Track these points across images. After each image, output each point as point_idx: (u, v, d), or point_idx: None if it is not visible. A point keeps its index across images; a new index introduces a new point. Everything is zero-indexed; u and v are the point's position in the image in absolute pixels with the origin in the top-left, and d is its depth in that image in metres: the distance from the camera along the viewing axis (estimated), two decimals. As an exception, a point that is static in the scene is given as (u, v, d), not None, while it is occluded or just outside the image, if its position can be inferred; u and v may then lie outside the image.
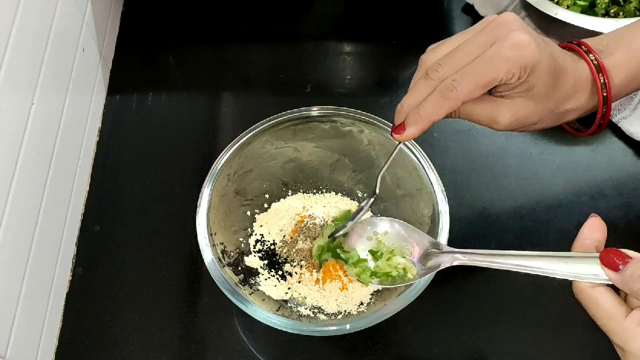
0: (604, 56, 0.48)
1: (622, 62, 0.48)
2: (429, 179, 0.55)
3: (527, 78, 0.44)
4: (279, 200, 0.63)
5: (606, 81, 0.47)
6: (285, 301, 0.58)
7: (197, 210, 0.54)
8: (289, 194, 0.64)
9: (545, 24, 0.72)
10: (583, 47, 0.48)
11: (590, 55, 0.48)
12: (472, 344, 0.58)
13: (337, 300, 0.57)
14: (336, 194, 0.64)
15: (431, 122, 0.46)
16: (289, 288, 0.58)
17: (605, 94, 0.47)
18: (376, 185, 0.52)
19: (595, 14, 0.69)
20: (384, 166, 0.51)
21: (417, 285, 0.50)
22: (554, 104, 0.47)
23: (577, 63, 0.48)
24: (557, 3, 0.69)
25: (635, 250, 0.61)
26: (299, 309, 0.57)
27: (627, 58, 0.48)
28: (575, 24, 0.66)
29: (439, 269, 0.48)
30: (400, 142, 0.49)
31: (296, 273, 0.59)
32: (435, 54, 0.46)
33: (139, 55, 0.76)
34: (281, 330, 0.50)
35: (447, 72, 0.45)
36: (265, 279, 0.59)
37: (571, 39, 0.51)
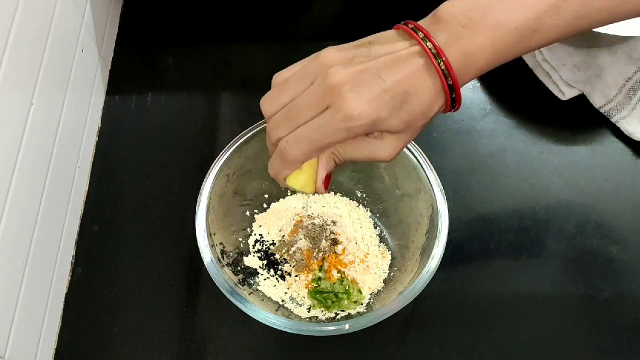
0: (465, 38, 0.41)
1: (486, 44, 0.41)
2: (428, 179, 0.55)
3: (375, 130, 0.42)
4: (278, 200, 0.63)
5: (447, 67, 0.41)
6: (284, 301, 0.58)
7: (196, 210, 0.54)
8: (288, 194, 0.64)
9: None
10: (420, 33, 0.42)
11: (428, 43, 0.41)
12: (472, 344, 0.58)
13: (336, 300, 0.57)
14: (335, 194, 0.64)
15: (282, 177, 0.46)
16: (288, 288, 0.58)
17: (450, 82, 0.41)
18: None
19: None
20: None
21: (416, 286, 0.50)
22: (419, 121, 0.43)
23: (423, 66, 0.41)
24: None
25: (633, 252, 0.61)
26: (298, 308, 0.57)
27: (491, 38, 0.41)
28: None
29: None
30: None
31: (295, 273, 0.59)
32: (272, 105, 0.45)
33: (138, 55, 0.76)
34: (280, 330, 0.50)
35: (283, 133, 0.44)
36: (265, 279, 0.59)
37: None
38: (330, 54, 0.43)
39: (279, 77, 0.46)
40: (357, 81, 0.41)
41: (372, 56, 0.42)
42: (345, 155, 0.44)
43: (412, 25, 0.43)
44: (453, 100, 0.42)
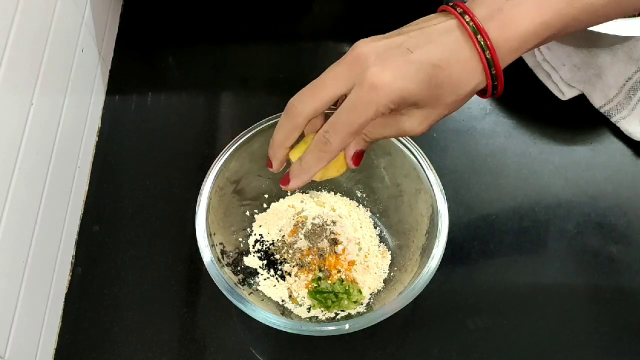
0: (507, 9, 0.40)
1: (532, 13, 0.39)
2: (428, 179, 0.55)
3: (403, 105, 0.41)
4: (278, 200, 0.63)
5: (487, 42, 0.40)
6: (285, 301, 0.58)
7: (196, 210, 0.54)
8: (288, 194, 0.64)
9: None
10: (458, 8, 0.41)
11: (466, 16, 0.40)
12: (472, 344, 0.58)
13: (336, 300, 0.57)
14: (335, 194, 0.64)
15: (313, 173, 0.46)
16: (288, 288, 0.58)
17: (488, 56, 0.40)
18: None
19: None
20: None
21: (416, 286, 0.50)
22: (451, 97, 0.42)
23: (457, 40, 0.40)
24: None
25: (633, 252, 0.61)
26: (298, 308, 0.57)
27: (538, 7, 0.39)
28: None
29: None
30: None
31: (295, 273, 0.59)
32: (303, 103, 0.44)
33: (138, 55, 0.76)
34: (280, 330, 0.50)
35: (306, 107, 0.43)
36: (265, 279, 0.59)
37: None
38: (365, 42, 0.42)
39: None
40: (383, 53, 0.40)
41: (404, 32, 0.42)
42: (374, 134, 0.44)
43: (452, 3, 0.42)
44: (493, 77, 0.41)
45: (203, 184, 0.55)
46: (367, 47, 0.41)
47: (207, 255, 0.53)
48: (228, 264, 0.56)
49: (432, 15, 0.43)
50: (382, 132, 0.44)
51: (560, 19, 0.40)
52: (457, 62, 0.40)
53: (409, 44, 0.40)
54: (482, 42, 0.39)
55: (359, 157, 0.47)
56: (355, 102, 0.41)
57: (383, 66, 0.40)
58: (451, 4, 0.42)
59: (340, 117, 0.42)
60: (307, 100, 0.43)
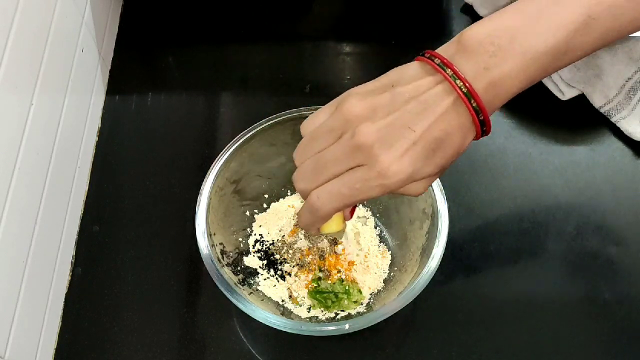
0: (493, 68, 0.39)
1: (517, 71, 0.39)
2: (428, 179, 0.55)
3: (408, 182, 0.41)
4: (278, 200, 0.63)
5: (480, 105, 0.39)
6: (284, 301, 0.58)
7: (196, 210, 0.54)
8: (288, 194, 0.64)
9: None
10: (448, 70, 0.39)
11: (458, 81, 0.39)
12: (472, 344, 0.58)
13: (336, 300, 0.57)
14: (335, 194, 0.64)
15: (315, 229, 0.48)
16: (288, 288, 0.58)
17: (481, 118, 0.40)
18: None
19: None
20: None
21: (416, 286, 0.50)
22: (452, 160, 0.42)
23: (452, 106, 0.40)
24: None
25: (633, 253, 0.61)
26: (298, 308, 0.57)
27: (522, 65, 0.39)
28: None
29: None
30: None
31: (295, 273, 0.59)
32: (302, 155, 0.44)
33: (138, 55, 0.76)
34: (280, 330, 0.50)
35: (309, 185, 0.43)
36: (265, 279, 0.59)
37: None
38: (353, 105, 0.41)
39: (306, 128, 0.45)
40: (386, 137, 0.40)
41: (396, 102, 0.40)
42: (375, 197, 0.44)
43: (437, 60, 0.40)
44: (483, 131, 0.41)
45: (203, 184, 0.55)
46: (368, 134, 0.40)
47: (207, 255, 0.53)
48: (228, 264, 0.56)
49: (414, 70, 0.41)
50: (381, 197, 0.45)
51: (544, 72, 0.40)
52: (455, 129, 0.40)
53: (409, 122, 0.40)
54: (475, 107, 0.39)
55: (352, 212, 0.49)
56: (359, 183, 0.41)
57: (388, 152, 0.40)
58: (437, 60, 0.40)
59: (339, 189, 0.42)
60: (310, 185, 0.43)
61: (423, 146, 0.40)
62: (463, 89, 0.39)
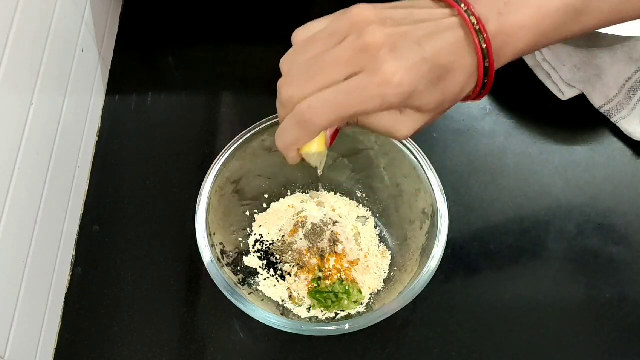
0: (506, 15, 0.38)
1: (530, 23, 0.38)
2: (428, 179, 0.55)
3: (405, 105, 0.38)
4: (278, 200, 0.63)
5: (487, 45, 0.38)
6: (284, 301, 0.58)
7: (196, 210, 0.54)
8: (288, 194, 0.64)
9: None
10: (461, 3, 0.38)
11: (472, 17, 0.37)
12: (472, 344, 0.58)
13: (336, 300, 0.57)
14: (335, 194, 0.64)
15: (295, 149, 0.40)
16: (288, 288, 0.58)
17: (487, 65, 0.38)
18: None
19: None
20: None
21: (416, 286, 0.51)
22: (448, 104, 0.40)
23: (462, 41, 0.38)
24: None
25: (634, 253, 0.61)
26: (298, 308, 0.57)
27: (535, 17, 0.38)
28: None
29: None
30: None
31: (295, 273, 0.59)
32: (292, 64, 0.39)
33: (138, 55, 0.76)
34: (280, 330, 0.50)
35: (298, 92, 0.38)
36: (265, 279, 0.59)
37: None
38: (364, 10, 0.38)
39: (300, 35, 0.40)
40: (396, 44, 0.37)
41: (409, 18, 0.38)
42: (365, 121, 0.40)
43: None
44: (484, 85, 0.39)
45: (203, 184, 0.55)
46: (378, 35, 0.37)
47: (207, 255, 0.53)
48: (228, 264, 0.56)
49: (428, 1, 0.39)
50: (372, 123, 0.39)
51: (556, 32, 0.39)
52: (461, 66, 0.38)
53: (421, 39, 0.37)
54: (484, 48, 0.38)
55: (334, 137, 0.43)
56: (359, 90, 0.37)
57: (396, 60, 0.36)
58: None
59: (335, 97, 0.37)
60: (299, 91, 0.38)
61: (430, 68, 0.37)
62: (475, 26, 0.37)
